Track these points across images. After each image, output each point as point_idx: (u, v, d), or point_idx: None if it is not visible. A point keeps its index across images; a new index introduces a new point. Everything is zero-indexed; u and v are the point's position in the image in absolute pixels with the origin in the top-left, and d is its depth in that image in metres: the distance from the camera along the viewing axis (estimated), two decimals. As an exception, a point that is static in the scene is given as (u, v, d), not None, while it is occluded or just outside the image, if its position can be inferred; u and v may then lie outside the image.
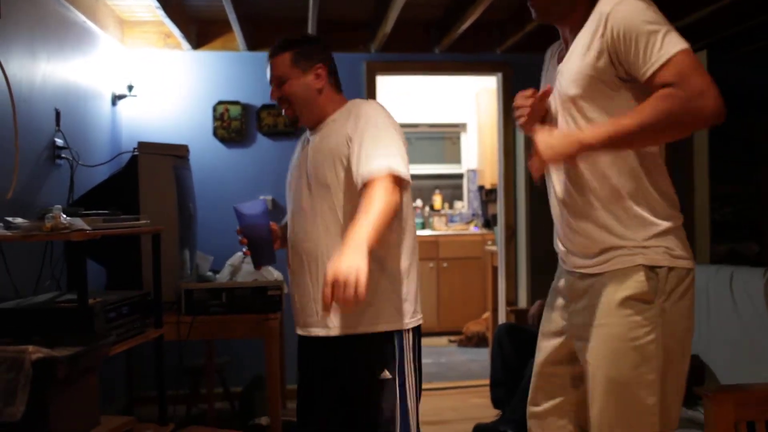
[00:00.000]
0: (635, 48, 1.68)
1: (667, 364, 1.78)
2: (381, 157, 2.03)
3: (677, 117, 1.64)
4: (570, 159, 1.75)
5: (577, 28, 1.85)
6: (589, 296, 1.86)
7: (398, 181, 2.01)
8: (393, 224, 2.08)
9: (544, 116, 1.96)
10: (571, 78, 1.81)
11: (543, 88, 1.95)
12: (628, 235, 1.80)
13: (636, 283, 1.77)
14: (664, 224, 1.81)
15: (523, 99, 1.95)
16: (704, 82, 1.62)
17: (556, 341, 2.00)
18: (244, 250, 2.29)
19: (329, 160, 2.15)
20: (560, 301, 2.01)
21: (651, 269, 1.77)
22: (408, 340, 2.16)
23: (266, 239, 2.25)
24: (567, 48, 1.90)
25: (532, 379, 2.08)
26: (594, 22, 1.77)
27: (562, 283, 2.01)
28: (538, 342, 2.09)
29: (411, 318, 2.18)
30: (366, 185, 1.99)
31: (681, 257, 1.80)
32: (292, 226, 2.28)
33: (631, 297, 1.77)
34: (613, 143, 1.71)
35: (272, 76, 2.27)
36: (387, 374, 2.10)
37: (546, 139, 1.75)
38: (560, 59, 1.93)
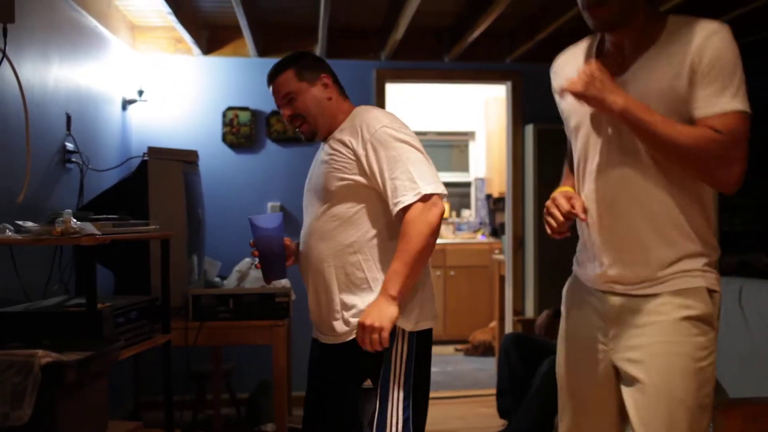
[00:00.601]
0: (707, 83, 1.66)
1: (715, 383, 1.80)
2: (405, 182, 2.07)
3: (707, 158, 1.65)
4: (600, 104, 1.70)
5: (635, 37, 1.78)
6: (647, 315, 1.78)
7: (429, 197, 2.07)
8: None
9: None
10: (648, 100, 1.72)
11: (569, 98, 1.86)
12: (695, 254, 1.77)
13: (703, 305, 1.75)
14: (718, 250, 1.82)
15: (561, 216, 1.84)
16: (744, 153, 1.67)
17: (600, 367, 1.90)
18: (255, 262, 2.28)
19: (330, 172, 2.18)
20: (591, 328, 1.90)
21: (710, 292, 1.77)
22: (400, 345, 2.14)
23: (278, 254, 2.23)
24: (621, 58, 1.82)
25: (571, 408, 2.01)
26: (678, 45, 1.71)
27: (595, 306, 1.90)
28: (564, 372, 2.00)
29: (422, 320, 2.18)
30: (403, 217, 2.08)
31: (719, 284, 1.81)
32: (302, 235, 2.30)
33: (697, 318, 1.74)
34: (638, 129, 1.69)
35: (280, 96, 2.27)
36: (369, 384, 2.12)
37: (601, 74, 1.70)
38: (606, 70, 1.80)
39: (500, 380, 4.21)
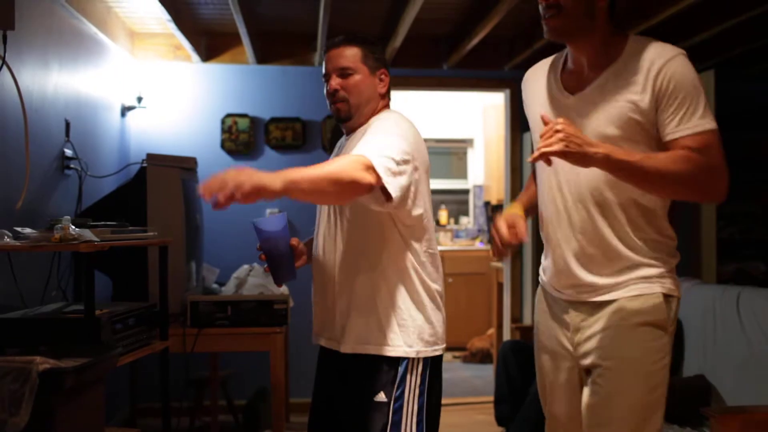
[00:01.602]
0: (677, 107, 1.72)
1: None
2: (366, 147, 1.94)
3: (692, 180, 1.70)
4: (582, 159, 1.67)
5: (594, 53, 1.84)
6: (606, 320, 1.85)
7: (370, 169, 1.86)
8: (409, 241, 2.09)
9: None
10: (608, 117, 1.80)
11: (534, 113, 1.97)
12: (653, 261, 1.84)
13: (656, 310, 1.81)
14: (677, 256, 1.88)
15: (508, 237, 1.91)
16: (724, 163, 1.72)
17: (569, 376, 1.97)
18: (264, 266, 2.25)
19: None
20: (558, 337, 1.98)
21: (666, 298, 1.83)
22: (416, 369, 2.09)
23: (286, 256, 2.17)
24: (582, 75, 1.88)
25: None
26: (639, 66, 1.77)
27: (560, 314, 1.97)
28: (547, 387, 2.06)
29: (425, 347, 2.11)
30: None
31: (678, 288, 1.88)
32: (316, 240, 2.26)
33: (650, 323, 1.81)
34: (624, 171, 1.70)
35: (335, 66, 2.17)
36: (382, 396, 2.05)
37: (572, 129, 1.67)
38: (567, 86, 1.91)
39: (498, 388, 4.21)
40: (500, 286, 5.54)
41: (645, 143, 1.78)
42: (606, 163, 1.68)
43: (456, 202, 8.17)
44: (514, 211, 2.01)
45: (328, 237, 2.19)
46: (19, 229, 2.37)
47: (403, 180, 1.95)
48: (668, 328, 1.83)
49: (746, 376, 3.25)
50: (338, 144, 2.34)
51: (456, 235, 7.93)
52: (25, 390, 1.75)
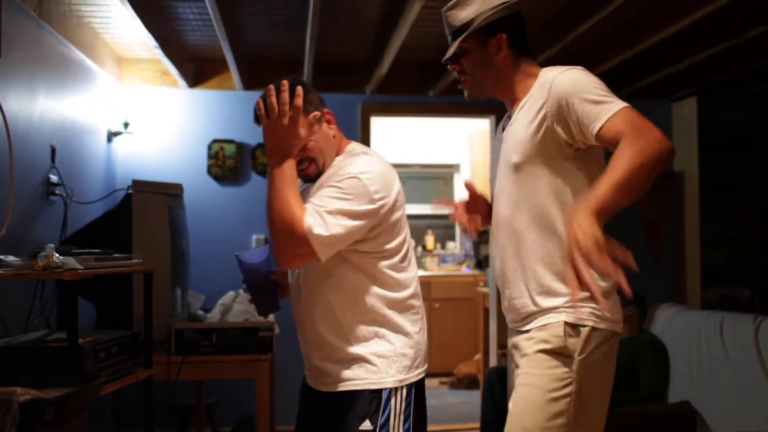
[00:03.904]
0: (582, 108, 1.77)
1: (582, 415, 1.84)
2: (314, 200, 1.95)
3: (647, 155, 1.65)
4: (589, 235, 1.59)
5: (512, 94, 1.99)
6: (520, 349, 1.94)
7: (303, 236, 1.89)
8: (370, 271, 2.03)
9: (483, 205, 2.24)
10: (513, 145, 1.92)
11: (491, 155, 2.14)
12: (561, 292, 1.87)
13: (558, 339, 1.84)
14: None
15: (461, 215, 2.21)
16: (647, 123, 1.71)
17: None
18: (249, 298, 2.24)
19: None
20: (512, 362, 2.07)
21: (573, 327, 1.84)
22: (400, 394, 2.06)
23: (268, 288, 2.17)
24: (511, 114, 2.02)
25: None
26: (537, 89, 1.88)
27: (510, 342, 2.09)
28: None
29: (407, 374, 2.08)
30: None
31: (608, 320, 1.87)
32: (290, 279, 2.22)
33: (552, 351, 1.85)
34: (617, 198, 1.65)
35: None
36: (368, 425, 2.01)
37: (581, 229, 1.59)
38: (504, 128, 2.06)
39: (484, 414, 4.20)
40: (486, 311, 5.54)
41: (547, 167, 1.86)
42: (604, 208, 1.62)
43: (442, 226, 8.18)
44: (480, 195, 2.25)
45: (295, 278, 2.16)
46: (2, 256, 2.36)
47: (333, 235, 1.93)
48: (573, 355, 1.84)
49: (732, 401, 3.27)
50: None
51: (443, 260, 7.94)
52: (7, 421, 1.73)
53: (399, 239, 2.08)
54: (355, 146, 2.17)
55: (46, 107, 3.32)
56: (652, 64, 4.46)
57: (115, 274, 2.86)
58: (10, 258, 2.34)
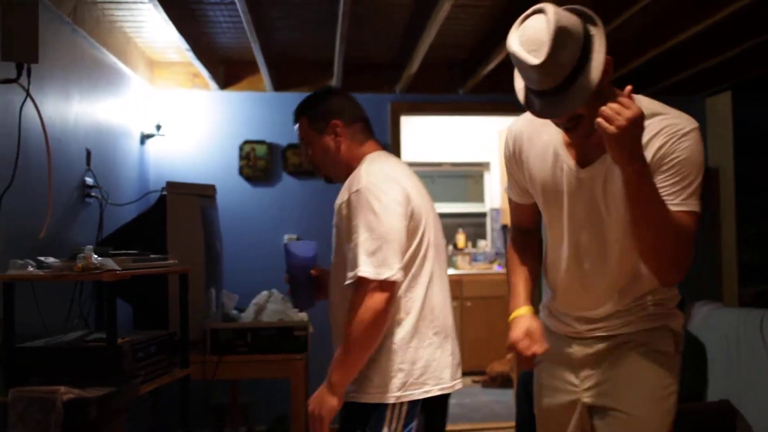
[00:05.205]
0: (676, 181, 1.70)
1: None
2: (353, 260, 1.97)
3: (667, 238, 1.67)
4: (622, 155, 1.59)
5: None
6: (618, 353, 1.93)
7: (366, 282, 1.92)
8: (384, 314, 1.99)
9: None
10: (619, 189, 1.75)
11: (536, 177, 2.03)
12: (664, 299, 1.93)
13: (665, 342, 1.91)
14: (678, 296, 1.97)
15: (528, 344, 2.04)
16: (692, 251, 1.72)
17: (571, 414, 2.01)
18: (287, 290, 2.27)
19: (340, 240, 2.10)
20: (565, 373, 2.05)
21: (673, 332, 1.93)
22: (397, 413, 2.03)
23: (305, 284, 2.22)
24: (585, 146, 1.84)
25: None
26: (655, 147, 1.72)
27: (564, 352, 2.06)
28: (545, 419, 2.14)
29: (405, 391, 2.04)
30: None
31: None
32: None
33: (662, 352, 1.91)
34: (637, 190, 1.64)
35: (300, 140, 2.26)
36: None
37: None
38: (579, 159, 1.86)
39: (519, 413, 4.16)
40: (519, 309, 5.49)
41: None
42: (637, 174, 1.61)
43: (473, 225, 8.15)
44: (523, 312, 2.16)
45: (333, 283, 2.17)
46: (42, 258, 2.39)
47: (372, 253, 1.96)
48: (677, 356, 1.96)
49: (772, 400, 3.21)
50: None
51: (474, 258, 7.91)
52: (51, 420, 1.76)
53: (408, 252, 2.06)
54: (367, 158, 2.18)
55: (81, 111, 3.36)
56: (686, 59, 4.40)
57: (151, 275, 2.89)
58: (50, 260, 2.38)
